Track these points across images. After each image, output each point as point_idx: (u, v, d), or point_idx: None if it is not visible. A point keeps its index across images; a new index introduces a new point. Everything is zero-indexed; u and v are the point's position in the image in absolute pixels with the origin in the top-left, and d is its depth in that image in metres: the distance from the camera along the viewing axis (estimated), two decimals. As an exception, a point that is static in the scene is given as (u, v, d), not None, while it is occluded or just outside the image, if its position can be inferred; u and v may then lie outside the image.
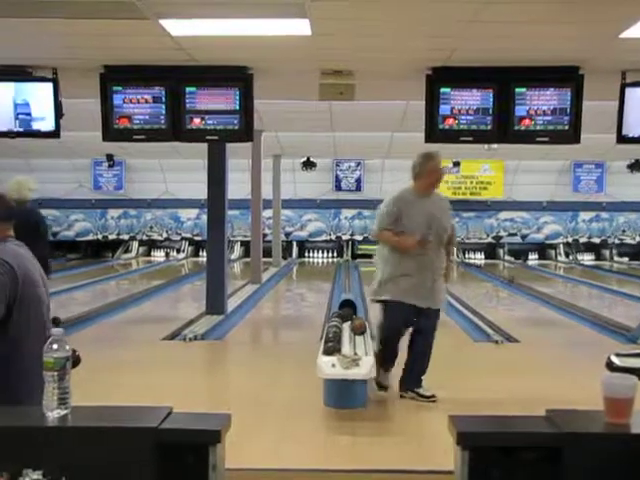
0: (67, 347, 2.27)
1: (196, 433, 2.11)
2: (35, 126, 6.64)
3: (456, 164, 19.86)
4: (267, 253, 16.29)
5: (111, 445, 2.05)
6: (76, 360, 3.33)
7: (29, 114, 6.60)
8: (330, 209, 21.90)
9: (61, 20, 5.13)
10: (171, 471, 2.09)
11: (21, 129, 6.66)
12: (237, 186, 13.81)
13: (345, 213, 21.96)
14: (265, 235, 16.61)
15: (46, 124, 6.63)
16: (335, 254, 21.99)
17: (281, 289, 15.23)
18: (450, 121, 6.51)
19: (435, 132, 6.54)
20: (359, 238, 22.00)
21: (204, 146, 10.15)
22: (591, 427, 2.17)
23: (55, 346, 2.25)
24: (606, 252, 21.93)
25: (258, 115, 6.81)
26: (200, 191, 13.03)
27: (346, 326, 6.84)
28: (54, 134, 6.69)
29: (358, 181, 21.29)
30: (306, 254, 22.13)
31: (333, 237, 22.08)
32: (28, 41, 5.76)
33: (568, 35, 5.47)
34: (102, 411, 2.28)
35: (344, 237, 22.06)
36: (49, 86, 6.51)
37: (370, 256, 23.56)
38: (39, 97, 6.55)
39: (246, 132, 6.62)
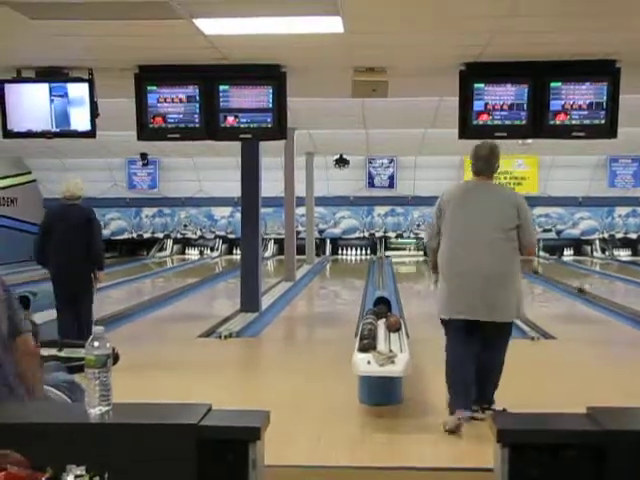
0: (108, 345, 2.30)
1: (236, 430, 2.12)
2: (72, 126, 6.72)
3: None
4: (300, 250, 16.31)
5: (152, 441, 2.07)
6: (115, 357, 3.38)
7: (66, 115, 6.68)
8: (363, 206, 21.86)
9: (96, 21, 5.18)
10: (211, 467, 2.10)
11: (58, 129, 6.74)
12: (270, 184, 13.84)
13: (378, 210, 21.92)
14: (298, 232, 16.63)
15: (82, 124, 6.70)
16: (368, 251, 21.96)
17: (315, 286, 15.25)
18: (484, 117, 6.46)
19: (469, 128, 6.50)
20: (392, 235, 21.95)
21: (238, 144, 10.19)
22: (634, 425, 2.13)
23: (96, 344, 2.27)
24: (643, 248, 21.66)
25: (291, 113, 6.81)
26: (234, 189, 13.10)
27: (381, 323, 6.83)
28: (90, 134, 6.77)
29: (391, 178, 21.20)
30: (339, 251, 22.13)
31: (366, 234, 22.05)
32: (64, 43, 5.83)
33: (604, 28, 5.40)
34: (142, 408, 2.30)
35: (377, 234, 22.02)
36: (85, 86, 6.58)
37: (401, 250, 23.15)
38: (75, 98, 6.62)
39: (279, 130, 6.64)
